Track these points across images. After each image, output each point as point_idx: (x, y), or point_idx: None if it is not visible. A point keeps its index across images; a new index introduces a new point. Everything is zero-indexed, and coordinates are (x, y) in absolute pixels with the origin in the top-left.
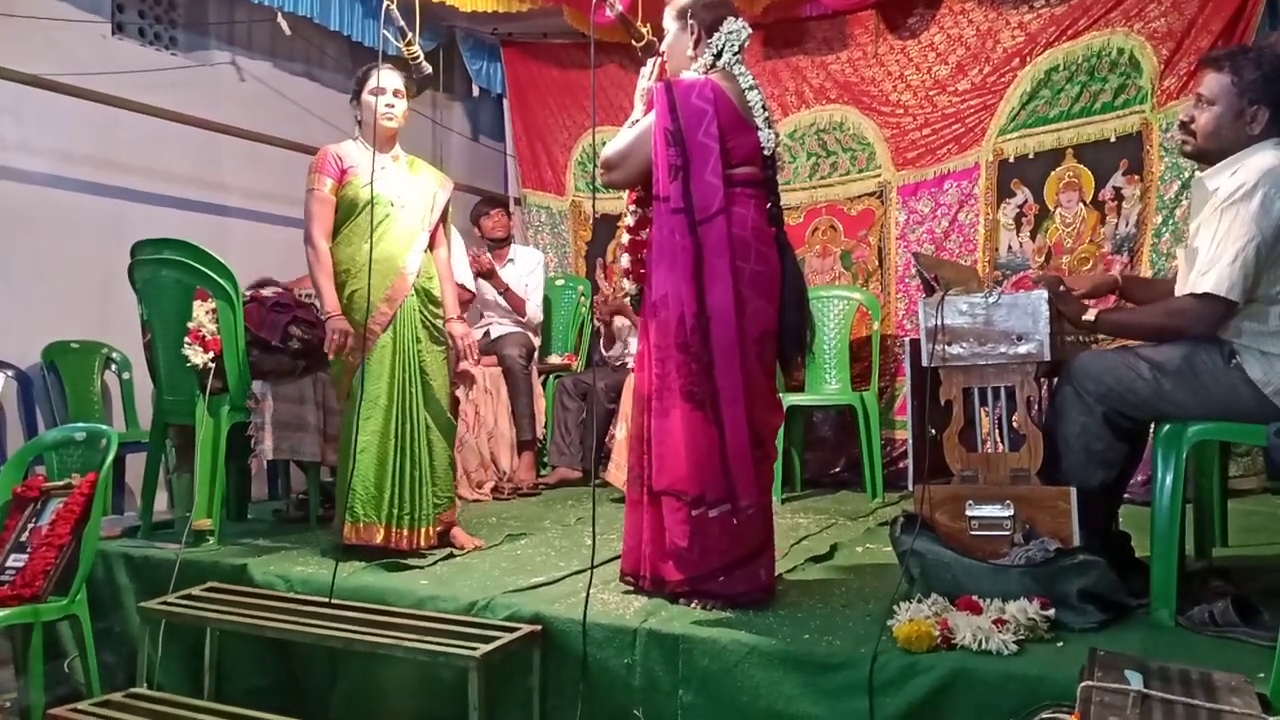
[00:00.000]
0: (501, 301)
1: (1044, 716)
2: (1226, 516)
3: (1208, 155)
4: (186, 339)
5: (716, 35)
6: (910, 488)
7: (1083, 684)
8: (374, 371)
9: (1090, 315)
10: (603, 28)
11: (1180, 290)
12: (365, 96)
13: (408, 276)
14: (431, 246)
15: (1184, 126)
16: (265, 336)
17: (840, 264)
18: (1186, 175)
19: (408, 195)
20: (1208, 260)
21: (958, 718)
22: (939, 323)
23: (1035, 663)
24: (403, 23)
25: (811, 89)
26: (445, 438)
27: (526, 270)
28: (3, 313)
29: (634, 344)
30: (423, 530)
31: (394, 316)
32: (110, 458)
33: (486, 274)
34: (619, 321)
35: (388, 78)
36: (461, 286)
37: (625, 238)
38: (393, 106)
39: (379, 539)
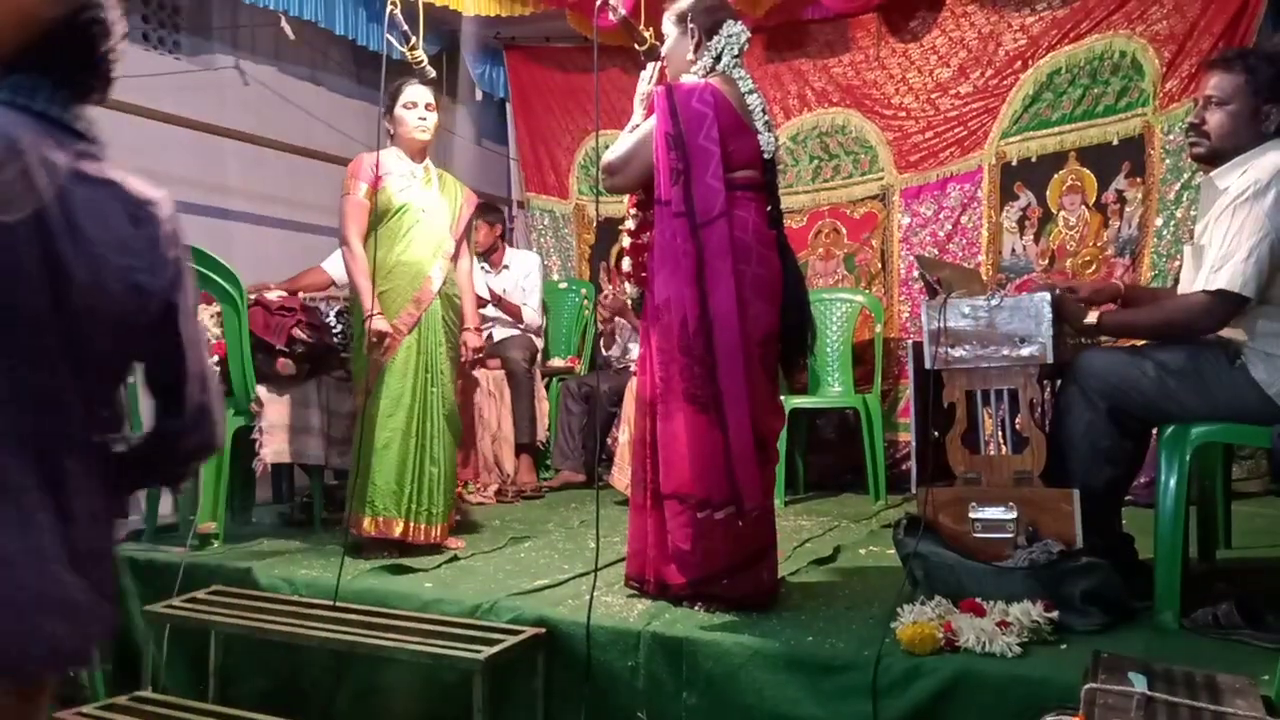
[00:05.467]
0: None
1: (1048, 719)
2: (1230, 518)
3: (1221, 156)
4: None
5: (716, 38)
6: (913, 490)
7: (1086, 686)
8: (398, 370)
9: (1092, 317)
10: (605, 31)
11: (1184, 289)
12: (398, 110)
13: (433, 281)
14: (454, 257)
15: (1194, 129)
16: (270, 340)
17: (843, 267)
18: (1187, 177)
19: (435, 205)
20: (1220, 257)
21: None
22: (942, 325)
23: (1039, 665)
24: (406, 27)
25: (814, 92)
26: (455, 440)
27: (522, 274)
28: None
29: (633, 347)
30: (438, 527)
31: (419, 319)
32: None
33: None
34: (619, 321)
35: (419, 92)
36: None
37: (626, 241)
38: (425, 119)
39: (398, 532)
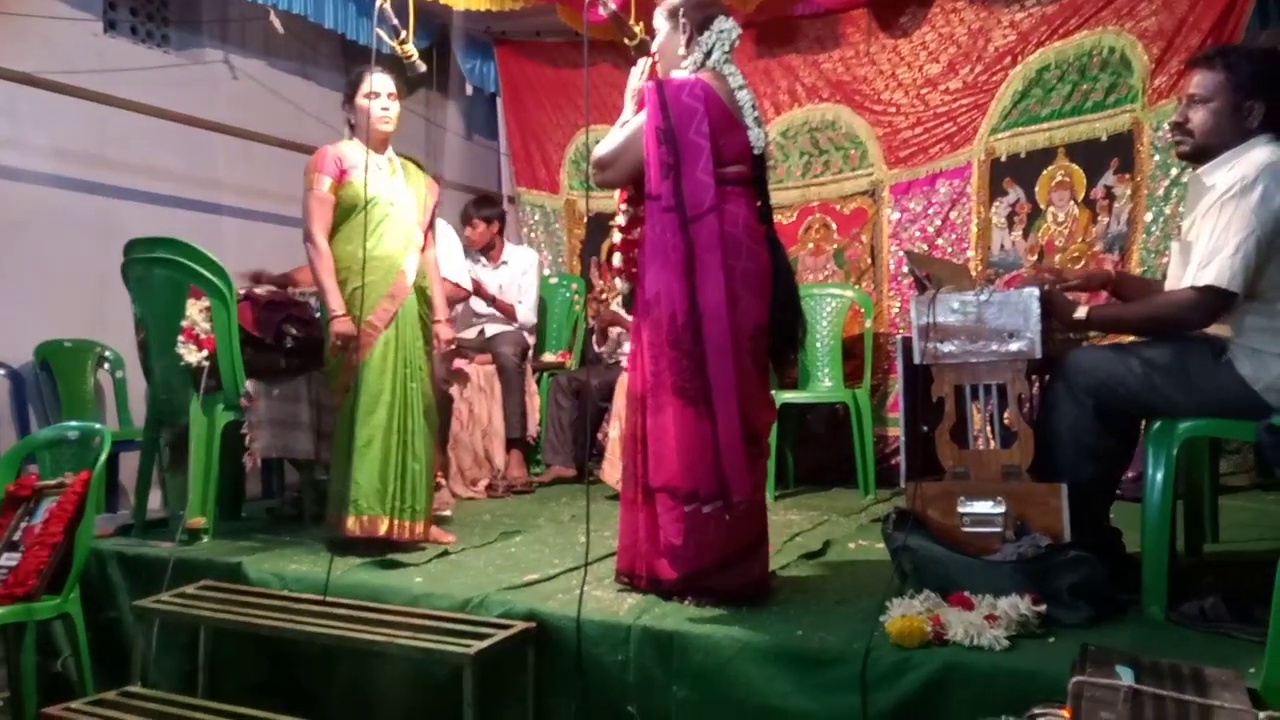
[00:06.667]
0: (494, 310)
1: (1036, 712)
2: (1217, 512)
3: (1206, 153)
4: (180, 337)
5: (707, 34)
6: (903, 484)
7: (1074, 679)
8: (377, 367)
9: (1081, 312)
10: (596, 26)
11: (1171, 285)
12: (360, 100)
13: (407, 275)
14: (423, 249)
15: (1179, 127)
16: (259, 335)
17: (833, 262)
18: (1176, 173)
19: (402, 196)
20: (1208, 252)
21: (950, 713)
22: (931, 320)
23: (1027, 658)
24: (396, 21)
25: (804, 87)
26: (433, 435)
27: (520, 271)
28: None
29: (625, 343)
30: (421, 524)
31: (396, 314)
32: (104, 456)
33: (474, 291)
34: (614, 331)
35: (382, 81)
36: (458, 285)
37: (617, 237)
38: (388, 109)
39: (383, 530)
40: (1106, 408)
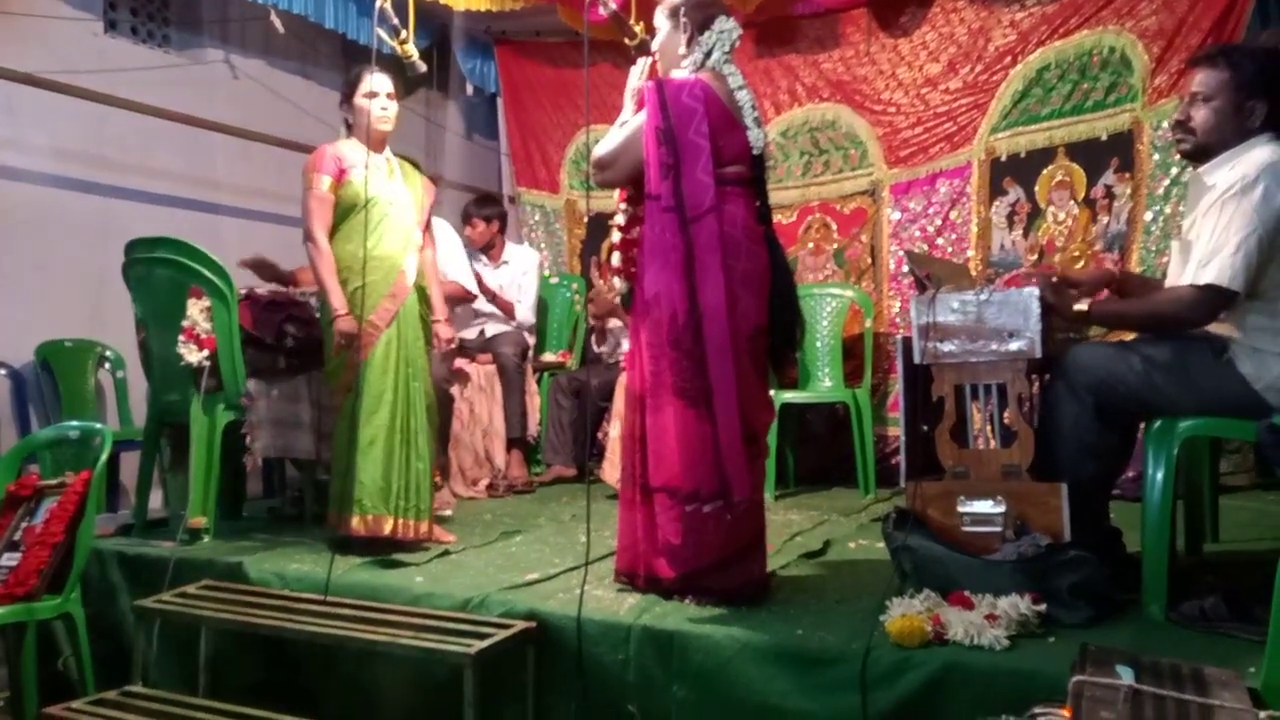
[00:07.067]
0: (494, 307)
1: (1036, 711)
2: (1217, 512)
3: (1208, 151)
4: (181, 337)
5: (707, 34)
6: (903, 484)
7: (1074, 679)
8: (379, 366)
9: (1083, 305)
10: (596, 26)
11: (1172, 284)
12: (359, 100)
13: (408, 274)
14: (420, 248)
15: (1180, 125)
16: (260, 334)
17: (833, 262)
18: (1176, 172)
19: (401, 196)
20: (1209, 251)
21: (950, 713)
22: (931, 320)
23: (1027, 658)
24: (396, 21)
25: (804, 87)
26: (434, 434)
27: (520, 271)
28: None
29: (624, 342)
30: (425, 523)
31: (397, 313)
32: (104, 456)
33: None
34: (613, 322)
35: (381, 81)
36: (465, 289)
37: (616, 236)
38: (386, 109)
39: (388, 530)
40: (1107, 405)
